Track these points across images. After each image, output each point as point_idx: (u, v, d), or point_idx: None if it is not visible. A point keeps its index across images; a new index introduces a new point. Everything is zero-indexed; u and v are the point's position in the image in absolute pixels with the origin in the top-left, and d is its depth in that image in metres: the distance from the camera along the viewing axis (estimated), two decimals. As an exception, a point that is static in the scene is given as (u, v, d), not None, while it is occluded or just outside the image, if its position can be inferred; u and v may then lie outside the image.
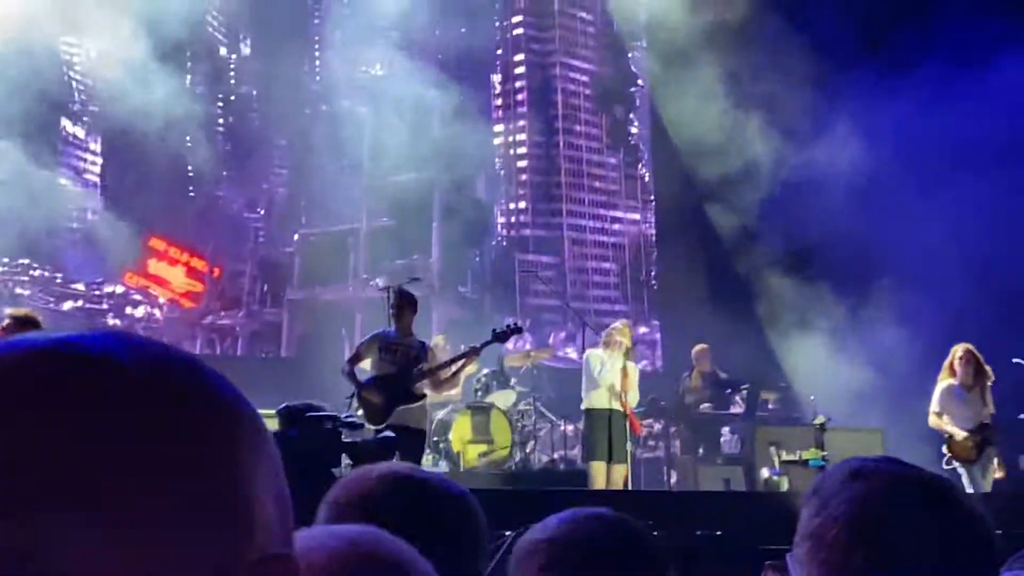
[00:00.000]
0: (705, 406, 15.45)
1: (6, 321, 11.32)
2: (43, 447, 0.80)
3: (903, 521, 1.70)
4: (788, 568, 1.80)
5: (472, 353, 12.28)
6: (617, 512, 2.03)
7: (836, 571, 1.69)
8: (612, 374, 13.31)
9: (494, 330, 12.61)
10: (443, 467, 13.81)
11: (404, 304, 11.87)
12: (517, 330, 12.79)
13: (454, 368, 12.09)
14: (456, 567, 1.94)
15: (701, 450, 15.13)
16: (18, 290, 18.13)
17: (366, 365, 11.84)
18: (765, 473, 13.65)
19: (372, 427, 11.31)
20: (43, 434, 0.81)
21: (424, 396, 11.84)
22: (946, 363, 13.36)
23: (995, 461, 13.33)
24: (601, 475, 13.24)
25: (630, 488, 13.40)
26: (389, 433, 11.06)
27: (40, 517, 0.78)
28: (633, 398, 13.54)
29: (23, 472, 0.79)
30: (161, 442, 0.86)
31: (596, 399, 13.36)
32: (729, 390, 15.76)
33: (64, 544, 0.78)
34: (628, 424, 13.32)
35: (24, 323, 11.24)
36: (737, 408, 15.82)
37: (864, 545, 1.68)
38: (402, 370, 11.63)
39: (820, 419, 14.67)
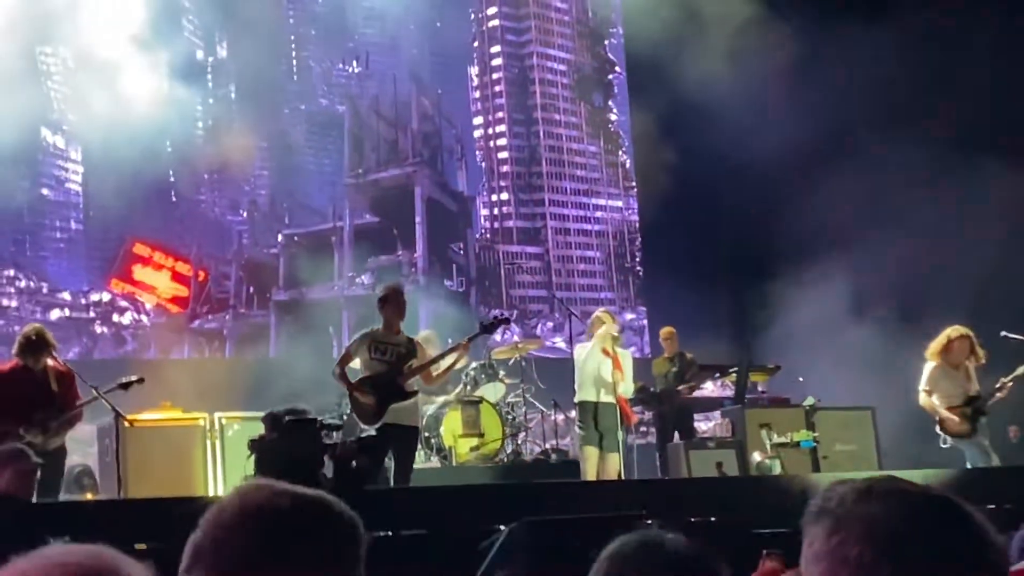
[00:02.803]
0: (683, 387, 15.43)
1: (21, 339, 11.38)
2: None
3: (924, 538, 1.73)
4: None
5: (462, 347, 12.34)
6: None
7: None
8: (595, 366, 13.42)
9: (481, 322, 12.73)
10: (435, 462, 13.82)
11: (390, 303, 11.90)
12: (504, 320, 12.91)
13: (445, 364, 12.19)
14: None
15: (676, 435, 15.13)
16: (4, 301, 18.09)
17: (356, 365, 11.89)
18: (757, 457, 13.68)
19: (365, 427, 11.35)
20: None
21: (416, 393, 11.90)
22: (938, 343, 13.42)
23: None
24: (593, 463, 13.32)
25: (623, 477, 13.43)
26: (371, 432, 11.09)
27: None
28: (626, 387, 13.64)
29: None
30: None
31: (583, 392, 13.52)
32: (717, 374, 15.79)
33: None
34: (621, 413, 13.41)
35: (35, 341, 11.28)
36: (722, 391, 15.86)
37: (890, 563, 1.71)
38: (393, 368, 11.70)
39: (810, 400, 14.73)
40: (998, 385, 13.43)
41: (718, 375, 15.75)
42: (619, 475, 13.39)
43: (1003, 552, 1.80)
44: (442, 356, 12.23)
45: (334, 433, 9.67)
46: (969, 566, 1.73)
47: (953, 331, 13.41)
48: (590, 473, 13.37)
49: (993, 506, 9.72)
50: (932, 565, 1.71)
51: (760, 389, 15.83)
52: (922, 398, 13.38)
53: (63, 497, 11.75)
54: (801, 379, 15.87)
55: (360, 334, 12.10)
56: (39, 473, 10.07)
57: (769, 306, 18.22)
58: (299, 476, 7.42)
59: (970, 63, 17.80)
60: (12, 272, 18.25)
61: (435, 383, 12.41)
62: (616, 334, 13.72)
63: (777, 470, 13.24)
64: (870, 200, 17.70)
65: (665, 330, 16.11)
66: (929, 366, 13.41)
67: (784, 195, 18.25)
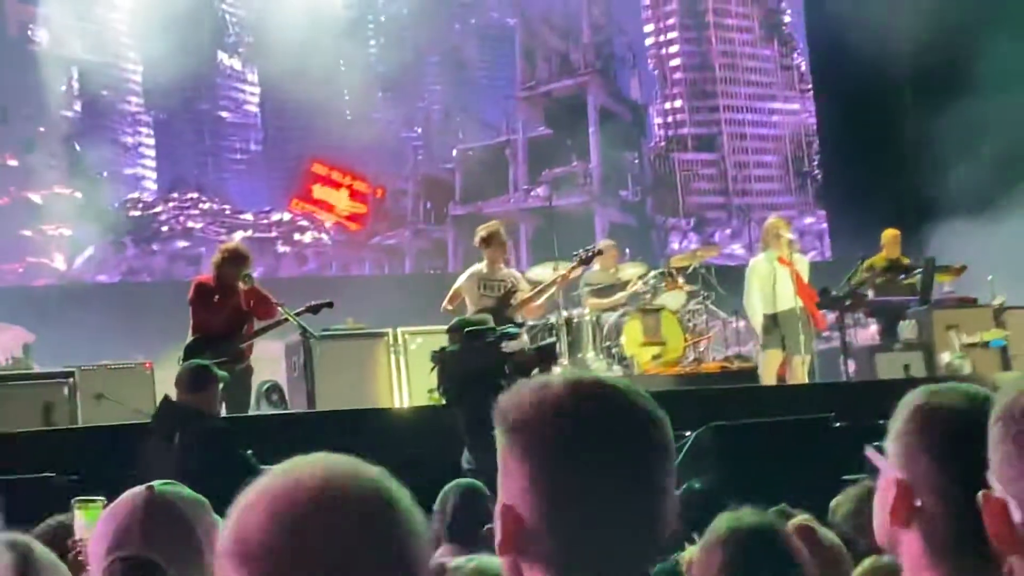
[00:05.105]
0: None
1: (219, 256, 11.71)
2: None
3: None
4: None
5: (562, 279, 12.82)
6: None
7: None
8: (770, 277, 13.34)
9: (575, 255, 13.12)
10: (617, 371, 13.83)
11: (494, 243, 12.56)
12: (598, 252, 13.40)
13: (544, 296, 12.71)
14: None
15: (879, 337, 14.90)
16: (190, 223, 18.51)
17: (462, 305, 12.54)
18: (946, 357, 13.44)
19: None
20: None
21: (524, 324, 12.44)
22: None
23: None
24: (773, 365, 13.26)
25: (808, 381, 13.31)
26: (551, 340, 11.23)
27: None
28: (808, 293, 13.52)
29: None
30: None
31: (764, 305, 13.42)
32: (903, 275, 15.46)
33: None
34: (809, 319, 13.31)
35: (237, 257, 11.61)
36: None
37: None
38: (501, 302, 12.27)
39: (1000, 299, 14.39)
40: None
41: (903, 276, 15.42)
42: (806, 379, 13.30)
43: None
44: (542, 290, 12.68)
45: (512, 343, 9.74)
46: None
47: None
48: (767, 376, 13.31)
49: None
50: None
51: (946, 289, 15.48)
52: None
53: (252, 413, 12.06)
54: (991, 278, 15.45)
55: (467, 274, 12.70)
56: (228, 390, 10.33)
57: (953, 202, 17.78)
58: (480, 385, 7.53)
59: None
60: (196, 195, 18.66)
61: (536, 314, 12.96)
62: (792, 238, 13.61)
63: (967, 370, 13.00)
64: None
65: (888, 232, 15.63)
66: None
67: (968, 86, 17.72)
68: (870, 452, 2.28)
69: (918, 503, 2.11)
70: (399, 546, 1.65)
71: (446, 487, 6.68)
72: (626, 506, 1.86)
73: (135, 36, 18.03)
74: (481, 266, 12.61)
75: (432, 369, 10.47)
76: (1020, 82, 16.94)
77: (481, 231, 12.91)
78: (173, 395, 9.13)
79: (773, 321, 13.35)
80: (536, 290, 12.63)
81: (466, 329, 9.53)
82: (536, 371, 9.41)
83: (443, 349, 9.84)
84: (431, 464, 9.57)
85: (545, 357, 9.67)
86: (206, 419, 8.62)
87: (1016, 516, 1.66)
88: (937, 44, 18.33)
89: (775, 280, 13.33)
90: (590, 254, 13.02)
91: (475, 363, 9.21)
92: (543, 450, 1.86)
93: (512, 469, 1.88)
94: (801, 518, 3.88)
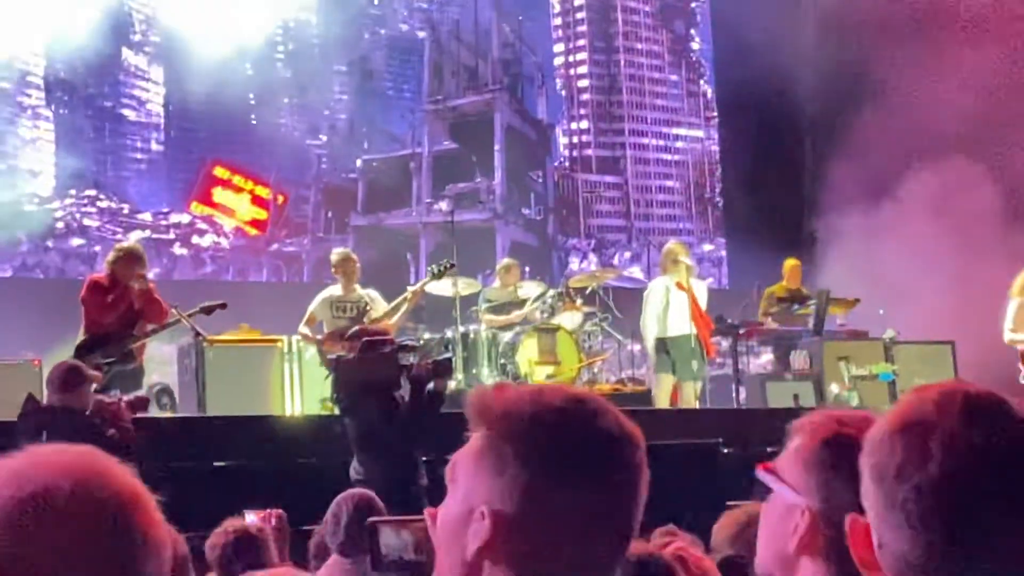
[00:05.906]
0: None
1: (114, 255, 11.59)
2: None
3: (946, 426, 1.67)
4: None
5: (413, 296, 13.05)
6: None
7: (881, 472, 1.69)
8: (664, 301, 13.44)
9: (430, 270, 13.44)
10: (511, 389, 13.81)
11: (346, 266, 13.05)
12: (451, 267, 13.49)
13: (397, 315, 13.00)
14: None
15: (771, 366, 15.06)
16: (86, 221, 18.26)
17: (319, 326, 13.03)
18: (835, 389, 13.60)
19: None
20: None
21: (420, 337, 13.08)
22: (1022, 279, 13.20)
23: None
24: (666, 389, 13.35)
25: (698, 407, 13.41)
26: (448, 355, 11.24)
27: None
28: (704, 319, 13.63)
29: None
30: None
31: (659, 329, 13.51)
32: (796, 305, 15.65)
33: None
34: (702, 346, 13.40)
35: (131, 257, 11.50)
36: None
37: (903, 444, 1.67)
38: (355, 321, 12.42)
39: (890, 333, 14.58)
40: None
41: (798, 306, 15.60)
42: (696, 404, 13.41)
43: None
44: (395, 308, 12.97)
45: (410, 355, 9.74)
46: (1002, 461, 1.65)
47: None
48: (662, 400, 13.40)
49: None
50: (951, 452, 1.65)
51: (839, 322, 15.68)
52: (1007, 336, 13.20)
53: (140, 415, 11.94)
54: (882, 311, 15.68)
55: (320, 298, 13.09)
56: (119, 391, 10.21)
57: (849, 237, 18.02)
58: (374, 395, 7.49)
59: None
60: (94, 192, 18.41)
61: (392, 331, 12.89)
62: (690, 263, 13.73)
63: (855, 402, 13.14)
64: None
65: (789, 262, 15.87)
66: (1014, 303, 13.20)
67: (867, 120, 17.98)
68: (763, 475, 2.30)
69: (830, 533, 2.15)
70: (135, 563, 1.45)
71: (338, 497, 6.64)
72: (606, 519, 1.88)
73: (38, 29, 17.77)
74: (334, 288, 13.05)
75: (326, 377, 10.43)
76: (905, 112, 17.24)
77: (332, 257, 13.45)
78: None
79: (664, 346, 13.45)
80: (389, 308, 12.91)
81: (364, 339, 9.50)
82: (431, 385, 9.41)
83: (339, 357, 9.81)
84: (321, 473, 9.54)
85: (441, 371, 9.65)
86: (74, 418, 8.49)
87: (874, 540, 1.71)
88: (836, 79, 18.63)
89: (668, 305, 13.43)
90: (442, 269, 13.24)
91: (371, 373, 9.19)
92: (540, 457, 1.86)
93: (496, 472, 1.86)
94: (681, 543, 3.90)
